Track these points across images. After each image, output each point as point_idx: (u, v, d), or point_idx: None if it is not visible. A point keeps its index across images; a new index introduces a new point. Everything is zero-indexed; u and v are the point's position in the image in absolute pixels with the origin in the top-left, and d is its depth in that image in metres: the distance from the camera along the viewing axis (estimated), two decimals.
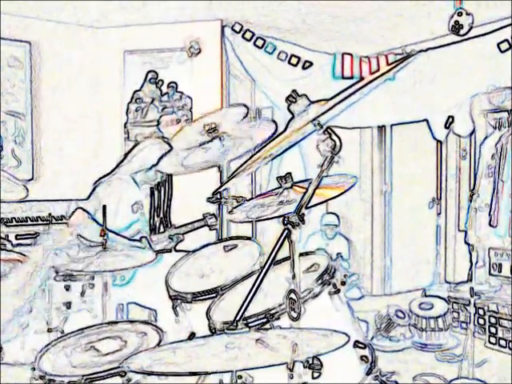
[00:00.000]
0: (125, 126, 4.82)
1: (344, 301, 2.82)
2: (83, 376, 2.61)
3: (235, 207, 3.24)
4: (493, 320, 4.44)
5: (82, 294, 3.94)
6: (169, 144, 3.77)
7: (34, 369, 2.71)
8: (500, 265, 4.65)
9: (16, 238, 4.30)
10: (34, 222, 4.42)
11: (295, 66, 4.76)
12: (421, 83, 4.65)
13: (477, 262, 4.67)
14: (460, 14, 4.26)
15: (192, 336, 2.82)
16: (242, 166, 2.93)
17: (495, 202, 4.62)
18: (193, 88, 4.76)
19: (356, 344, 2.73)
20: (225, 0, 4.48)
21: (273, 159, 2.88)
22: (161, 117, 4.80)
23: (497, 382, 3.87)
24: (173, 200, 4.61)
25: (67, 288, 3.93)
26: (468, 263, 4.76)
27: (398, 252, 5.29)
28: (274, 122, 3.21)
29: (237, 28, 4.72)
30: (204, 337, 2.39)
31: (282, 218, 2.32)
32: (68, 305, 3.93)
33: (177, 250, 3.96)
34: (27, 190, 3.84)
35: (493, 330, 4.43)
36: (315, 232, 4.99)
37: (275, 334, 2.27)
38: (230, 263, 3.20)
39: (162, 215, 4.49)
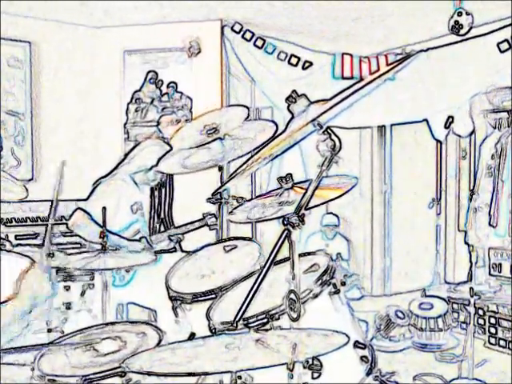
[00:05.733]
0: (124, 126, 4.82)
1: (344, 301, 2.82)
2: (83, 376, 2.61)
3: (235, 208, 3.24)
4: (493, 320, 4.44)
5: (82, 294, 3.94)
6: (168, 144, 3.77)
7: (33, 369, 2.71)
8: (500, 265, 4.65)
9: (16, 238, 4.30)
10: (34, 222, 4.42)
11: (295, 66, 4.76)
12: (421, 83, 4.65)
13: (477, 262, 4.67)
14: (460, 14, 4.26)
15: (192, 336, 2.82)
16: (242, 166, 2.93)
17: (495, 201, 4.62)
18: (193, 88, 4.76)
19: (356, 344, 2.73)
20: (225, 0, 4.48)
21: (273, 159, 2.88)
22: (161, 117, 4.80)
23: (497, 382, 3.87)
24: (173, 200, 4.61)
25: (67, 288, 3.93)
26: (468, 263, 4.76)
27: (397, 252, 5.29)
28: (273, 122, 3.21)
29: (237, 28, 4.72)
30: (204, 337, 2.39)
31: (281, 219, 2.32)
32: (68, 305, 3.93)
33: (183, 251, 3.96)
34: (27, 190, 3.84)
35: (493, 330, 4.43)
36: (315, 232, 4.99)
37: (275, 335, 2.27)
38: (230, 263, 3.20)
39: (162, 215, 4.49)
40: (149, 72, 4.77)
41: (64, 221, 4.31)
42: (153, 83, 4.78)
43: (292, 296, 2.28)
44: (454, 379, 3.88)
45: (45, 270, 3.60)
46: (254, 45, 4.75)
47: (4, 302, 2.74)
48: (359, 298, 4.98)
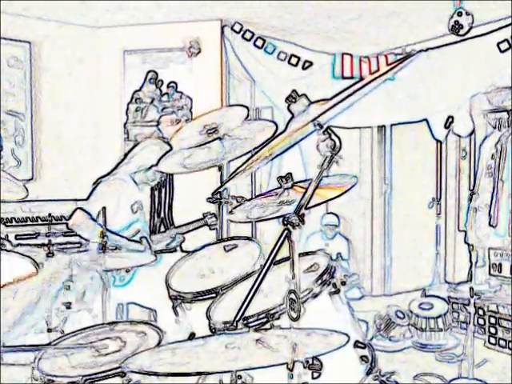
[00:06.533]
0: (124, 126, 4.82)
1: (344, 301, 2.82)
2: (83, 376, 2.61)
3: (235, 207, 3.24)
4: (493, 320, 4.44)
5: (82, 294, 3.94)
6: (168, 144, 3.77)
7: (33, 369, 2.71)
8: (500, 265, 4.65)
9: (16, 238, 4.30)
10: (34, 222, 4.42)
11: (295, 66, 4.76)
12: (421, 83, 4.65)
13: (477, 262, 4.67)
14: (460, 14, 4.26)
15: (192, 336, 2.82)
16: (242, 165, 2.93)
17: (495, 201, 4.62)
18: (193, 88, 4.76)
19: (356, 344, 2.73)
20: (225, 0, 4.47)
21: (273, 159, 2.88)
22: (161, 117, 4.80)
23: (497, 382, 3.87)
24: (173, 200, 4.61)
25: (67, 288, 3.93)
26: (468, 263, 4.76)
27: (397, 252, 5.29)
28: (273, 122, 3.21)
29: (237, 28, 4.72)
30: (204, 337, 2.39)
31: (281, 218, 2.32)
32: (68, 305, 3.92)
33: (183, 250, 3.96)
34: (27, 190, 3.84)
35: (493, 330, 4.43)
36: (315, 232, 4.99)
37: (275, 334, 2.27)
38: (230, 263, 3.20)
39: (162, 215, 4.49)
40: (149, 72, 4.77)
41: (64, 221, 4.31)
42: (153, 83, 4.78)
43: (292, 296, 2.28)
44: (453, 379, 3.88)
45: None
46: (254, 45, 4.75)
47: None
48: (359, 298, 4.98)
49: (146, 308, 3.76)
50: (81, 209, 3.96)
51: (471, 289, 4.00)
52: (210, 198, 3.59)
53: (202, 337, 2.40)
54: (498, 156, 4.65)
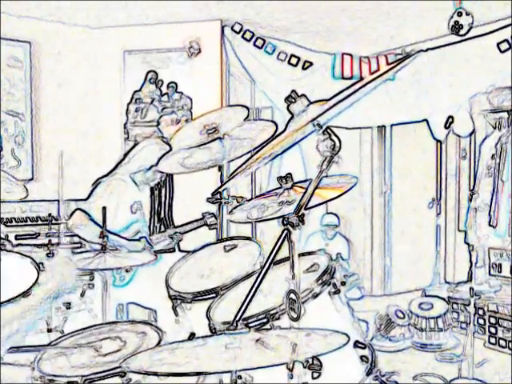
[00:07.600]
0: (124, 127, 4.82)
1: (344, 301, 2.82)
2: (83, 376, 2.61)
3: (235, 207, 3.24)
4: (493, 320, 4.44)
5: (82, 294, 3.94)
6: (168, 144, 3.77)
7: (33, 369, 2.71)
8: (500, 265, 4.65)
9: (16, 238, 4.30)
10: (34, 222, 4.42)
11: (295, 66, 4.76)
12: (421, 83, 4.65)
13: (477, 262, 4.67)
14: (460, 14, 4.26)
15: (192, 336, 2.82)
16: (242, 166, 2.93)
17: (495, 201, 4.62)
18: (193, 88, 4.76)
19: (356, 344, 2.73)
20: (225, 0, 4.48)
21: (273, 159, 2.88)
22: (160, 117, 4.80)
23: (497, 382, 3.87)
24: (173, 200, 4.61)
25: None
26: (468, 263, 4.76)
27: (398, 252, 5.29)
28: (273, 122, 3.21)
29: (237, 28, 4.72)
30: (204, 337, 2.39)
31: (281, 219, 2.32)
32: (68, 305, 3.92)
33: (181, 250, 3.96)
34: (27, 190, 3.84)
35: (493, 330, 4.43)
36: (315, 232, 4.99)
37: (275, 335, 2.27)
38: (230, 263, 3.20)
39: (162, 215, 4.49)
40: (149, 72, 4.77)
41: (64, 220, 4.31)
42: (153, 83, 4.78)
43: (292, 296, 2.28)
44: (454, 379, 3.88)
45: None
46: (254, 45, 4.75)
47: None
48: (359, 298, 4.98)
49: (146, 308, 3.76)
50: (80, 209, 3.96)
51: (471, 289, 4.00)
52: (209, 198, 3.59)
53: (202, 337, 2.40)
54: (498, 156, 4.66)
